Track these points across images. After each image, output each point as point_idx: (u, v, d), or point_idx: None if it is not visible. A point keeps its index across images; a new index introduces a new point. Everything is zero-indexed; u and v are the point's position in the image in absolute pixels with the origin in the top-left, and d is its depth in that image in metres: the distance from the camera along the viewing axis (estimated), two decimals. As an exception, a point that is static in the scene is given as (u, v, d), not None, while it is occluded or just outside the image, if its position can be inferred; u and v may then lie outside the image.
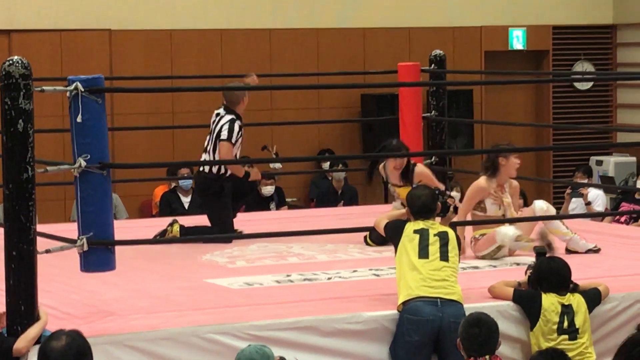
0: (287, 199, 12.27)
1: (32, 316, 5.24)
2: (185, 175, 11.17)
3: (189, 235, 8.03)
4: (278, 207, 11.84)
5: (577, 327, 5.79)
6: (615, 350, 3.52)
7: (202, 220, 8.37)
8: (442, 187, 7.99)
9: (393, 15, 13.46)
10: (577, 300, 5.86)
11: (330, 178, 12.64)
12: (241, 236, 7.80)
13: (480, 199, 7.23)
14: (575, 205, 10.84)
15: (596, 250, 7.41)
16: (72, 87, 5.45)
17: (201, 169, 8.32)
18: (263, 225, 8.65)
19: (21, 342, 5.11)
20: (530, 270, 6.05)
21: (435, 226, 5.93)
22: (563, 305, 5.81)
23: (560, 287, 5.86)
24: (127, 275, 6.58)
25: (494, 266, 7.04)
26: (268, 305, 5.92)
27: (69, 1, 12.24)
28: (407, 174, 7.83)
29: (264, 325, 5.54)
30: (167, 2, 12.65)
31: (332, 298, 6.11)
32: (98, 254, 5.55)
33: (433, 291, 5.69)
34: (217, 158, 8.02)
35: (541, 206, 7.28)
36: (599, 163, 13.88)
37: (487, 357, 5.15)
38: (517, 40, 14.07)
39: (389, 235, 6.10)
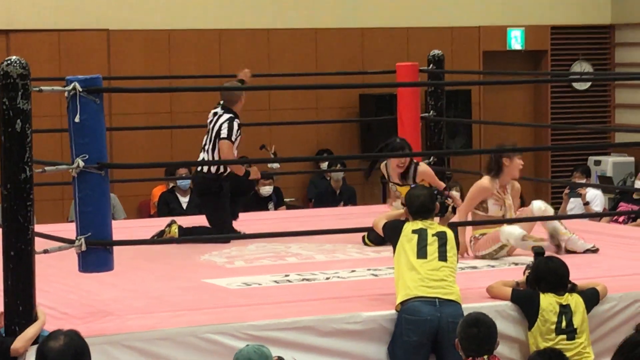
0: (285, 199, 12.27)
1: (30, 316, 5.24)
2: (184, 175, 11.17)
3: (188, 235, 8.03)
4: (276, 207, 11.84)
5: (575, 327, 5.79)
6: (613, 350, 3.52)
7: (201, 220, 8.37)
8: (443, 186, 8.02)
9: (391, 16, 13.46)
10: (575, 300, 5.86)
11: (328, 178, 12.64)
12: (239, 236, 7.80)
13: (482, 199, 7.23)
14: (573, 205, 10.84)
15: (594, 250, 7.41)
16: (70, 87, 5.45)
17: (199, 168, 8.32)
18: (261, 226, 8.65)
19: (19, 342, 5.10)
20: (529, 270, 6.05)
21: (433, 226, 5.93)
22: (561, 305, 5.82)
23: (559, 287, 5.87)
24: (126, 275, 6.58)
25: (492, 266, 7.05)
26: (266, 305, 5.92)
27: (67, 1, 12.24)
28: (408, 173, 7.84)
29: (262, 325, 5.54)
30: (166, 2, 12.65)
31: (330, 298, 6.11)
32: (96, 254, 5.54)
33: (431, 291, 5.69)
34: (217, 157, 8.02)
35: (539, 206, 7.28)
36: (597, 163, 13.88)
37: (485, 357, 5.14)
38: (516, 41, 14.07)
39: (388, 235, 6.10)
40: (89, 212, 5.50)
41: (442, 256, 5.80)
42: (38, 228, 5.54)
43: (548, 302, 5.82)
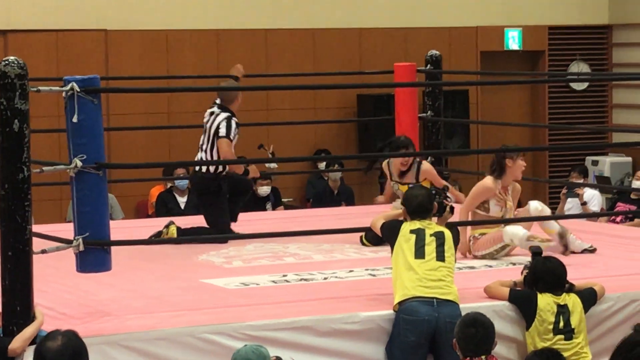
0: (283, 199, 12.26)
1: (27, 316, 5.24)
2: (182, 175, 11.17)
3: (188, 241, 8.01)
4: (274, 208, 11.84)
5: (572, 327, 5.80)
6: (611, 350, 3.52)
7: (199, 220, 8.37)
8: (445, 184, 8.04)
9: (389, 16, 13.46)
10: (572, 300, 5.86)
11: (326, 178, 12.65)
12: (237, 236, 7.79)
13: (484, 199, 7.23)
14: (571, 205, 10.85)
15: (592, 250, 7.41)
16: (68, 87, 5.45)
17: (197, 168, 8.32)
18: (259, 226, 8.65)
19: (16, 342, 5.10)
20: (527, 270, 6.06)
21: (431, 226, 5.93)
22: (559, 305, 5.82)
23: (556, 287, 5.87)
24: (123, 275, 6.58)
25: (490, 266, 7.05)
26: (264, 305, 5.92)
27: (65, 1, 12.23)
28: (410, 171, 7.85)
29: (260, 325, 5.54)
30: (164, 2, 12.65)
31: (328, 298, 6.11)
32: (94, 255, 5.54)
33: (429, 291, 5.69)
34: (215, 156, 8.02)
35: (536, 206, 7.29)
36: (595, 163, 13.89)
37: (483, 357, 5.15)
38: (513, 41, 14.08)
39: (386, 235, 6.10)
40: (87, 212, 5.50)
41: (440, 256, 5.80)
42: (36, 228, 5.54)
43: (545, 302, 5.82)
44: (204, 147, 8.14)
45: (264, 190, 11.74)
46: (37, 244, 5.42)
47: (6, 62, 5.28)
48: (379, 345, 5.71)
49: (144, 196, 12.25)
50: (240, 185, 8.40)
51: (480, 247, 7.25)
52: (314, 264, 7.16)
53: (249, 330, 5.49)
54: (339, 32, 13.26)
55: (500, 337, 5.47)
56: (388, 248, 6.04)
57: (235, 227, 8.19)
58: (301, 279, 6.65)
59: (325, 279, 6.68)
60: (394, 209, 7.36)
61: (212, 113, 8.17)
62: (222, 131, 8.00)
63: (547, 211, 7.42)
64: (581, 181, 11.35)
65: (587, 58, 14.41)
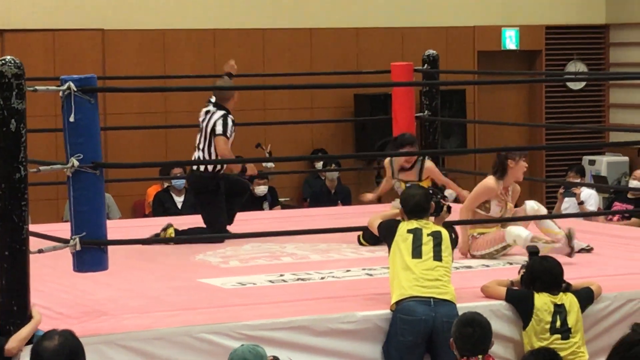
0: (280, 199, 12.26)
1: (24, 316, 5.23)
2: (178, 174, 11.16)
3: (185, 241, 7.99)
4: (271, 207, 11.84)
5: (569, 326, 5.80)
6: (607, 350, 3.52)
7: (196, 219, 8.36)
8: (449, 183, 8.04)
9: (386, 15, 13.47)
10: (569, 300, 5.87)
11: (323, 178, 12.65)
12: (234, 236, 7.79)
13: (486, 199, 7.23)
14: (568, 204, 10.85)
15: (589, 250, 7.41)
16: (65, 86, 5.44)
17: (195, 167, 8.31)
18: (256, 225, 8.65)
19: (12, 342, 5.10)
20: (524, 270, 6.06)
21: (428, 226, 5.93)
22: (556, 305, 5.82)
23: (553, 287, 5.87)
24: (120, 275, 6.57)
25: (487, 266, 7.05)
26: (261, 305, 5.92)
27: (62, 1, 12.23)
28: (413, 169, 7.85)
29: (257, 325, 5.54)
30: (160, 2, 12.64)
31: (325, 298, 6.11)
32: (91, 254, 5.54)
33: (426, 291, 5.69)
34: (212, 154, 8.02)
35: (532, 206, 7.30)
36: (592, 163, 13.90)
37: (480, 356, 5.15)
38: (510, 40, 14.08)
39: (383, 235, 6.10)
40: (84, 212, 5.49)
41: (437, 256, 5.80)
42: (33, 228, 5.53)
43: (542, 301, 5.83)
44: (201, 146, 8.13)
45: (261, 189, 11.74)
46: (33, 243, 5.41)
47: (3, 61, 5.27)
48: (376, 345, 5.71)
49: (141, 196, 12.25)
50: (238, 186, 8.40)
51: (480, 247, 7.24)
52: (311, 264, 7.16)
53: (245, 330, 5.49)
54: (336, 32, 13.26)
55: (497, 336, 5.47)
56: (385, 248, 6.03)
57: (232, 227, 8.18)
58: (298, 279, 6.65)
59: (322, 278, 6.68)
60: (393, 209, 7.36)
61: (207, 112, 8.17)
62: (219, 129, 8.00)
63: (543, 211, 7.43)
64: (578, 181, 11.36)
65: (584, 58, 14.42)
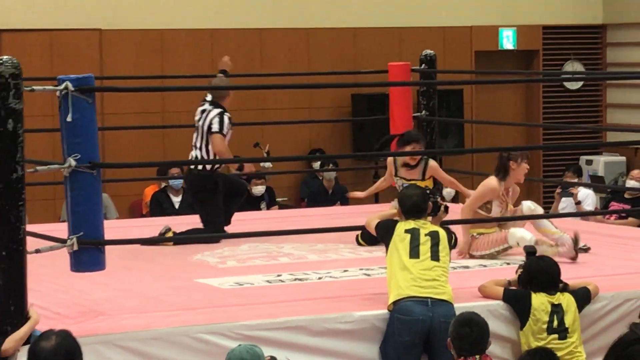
0: (277, 199, 12.26)
1: (22, 316, 5.23)
2: (176, 174, 11.16)
3: (184, 241, 7.98)
4: (269, 207, 11.84)
5: (566, 326, 5.80)
6: (604, 350, 3.52)
7: (194, 220, 8.36)
8: (453, 182, 8.03)
9: (384, 15, 13.47)
10: (566, 300, 5.87)
11: (321, 178, 12.65)
12: (232, 235, 7.79)
13: (489, 200, 7.23)
14: (565, 204, 10.85)
15: (586, 250, 7.42)
16: (62, 86, 5.44)
17: (192, 166, 8.31)
18: (254, 225, 8.65)
19: (8, 343, 5.09)
20: (521, 270, 6.06)
21: (426, 226, 5.93)
22: (553, 305, 5.82)
23: (550, 287, 5.87)
24: (118, 275, 6.57)
25: (484, 266, 7.05)
26: (259, 305, 5.92)
27: (59, 1, 12.22)
28: (416, 168, 7.85)
29: (255, 325, 5.54)
30: (158, 1, 12.64)
31: (322, 298, 6.11)
32: (88, 254, 5.54)
33: (423, 291, 5.69)
34: (210, 152, 8.02)
35: (529, 206, 7.30)
36: (589, 162, 13.91)
37: (477, 356, 5.15)
38: (507, 40, 14.09)
39: (380, 235, 6.10)
40: (81, 212, 5.49)
41: (435, 256, 5.81)
42: (30, 228, 5.53)
43: (540, 301, 5.83)
44: (198, 144, 8.13)
45: (258, 189, 11.74)
46: (31, 243, 5.41)
47: (0, 61, 5.27)
48: (373, 345, 5.71)
49: (138, 196, 12.25)
50: (237, 186, 8.40)
51: (480, 247, 7.23)
52: (308, 264, 7.16)
53: (243, 330, 5.49)
54: (333, 32, 13.26)
55: (494, 336, 5.47)
56: (383, 248, 6.04)
57: (229, 227, 8.18)
58: (295, 279, 6.65)
59: (319, 278, 6.68)
60: (392, 209, 7.36)
61: (203, 110, 8.17)
62: (215, 127, 8.00)
63: (540, 211, 7.43)
64: (575, 180, 11.36)
65: (581, 57, 14.42)
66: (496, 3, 14.03)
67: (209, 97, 8.21)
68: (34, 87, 5.53)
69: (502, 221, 7.22)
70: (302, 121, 12.74)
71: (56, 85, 5.48)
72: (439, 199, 6.30)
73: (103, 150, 10.68)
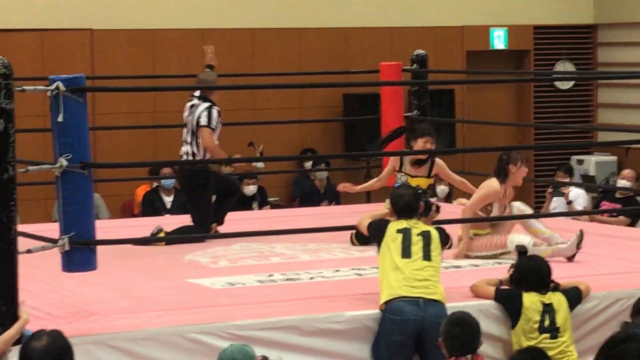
0: (269, 199, 12.26)
1: (13, 316, 5.22)
2: (167, 174, 11.15)
3: (176, 241, 7.97)
4: (260, 207, 11.84)
5: (558, 325, 5.81)
6: (596, 349, 3.54)
7: (185, 220, 8.35)
8: (459, 181, 8.01)
9: (375, 15, 13.47)
10: (558, 299, 5.88)
11: (312, 177, 12.65)
12: (223, 235, 7.79)
13: (491, 202, 7.23)
14: (556, 204, 10.88)
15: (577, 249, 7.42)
16: (54, 86, 5.43)
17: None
18: (245, 225, 8.64)
19: (-3, 344, 5.07)
20: (513, 269, 6.07)
21: (418, 226, 5.93)
22: (544, 304, 5.83)
23: (541, 286, 5.88)
24: (109, 275, 6.56)
25: (476, 265, 7.05)
26: (250, 305, 5.92)
27: (50, 1, 12.20)
28: (423, 164, 7.82)
29: (246, 324, 5.54)
30: (149, 1, 12.63)
31: (314, 297, 6.11)
32: (80, 254, 5.53)
33: (415, 291, 5.69)
34: (200, 146, 8.01)
35: (518, 207, 7.32)
36: (580, 162, 13.93)
37: (469, 356, 5.16)
38: (499, 40, 14.11)
39: (372, 235, 6.11)
40: (73, 212, 5.49)
41: (427, 256, 5.81)
42: (21, 228, 5.52)
43: (531, 301, 5.84)
44: (188, 139, 8.13)
45: (250, 189, 11.74)
46: (22, 243, 5.40)
47: (-9, 61, 5.26)
48: (365, 345, 5.71)
49: (130, 196, 12.23)
50: (229, 186, 8.39)
51: (477, 248, 7.20)
52: (300, 264, 7.16)
53: (235, 330, 5.49)
54: (324, 32, 13.26)
55: (486, 336, 5.48)
56: (376, 247, 6.04)
57: (221, 226, 8.18)
58: (287, 279, 6.65)
59: (311, 278, 6.68)
60: (386, 209, 7.34)
61: (192, 106, 8.17)
62: (203, 120, 8.00)
63: (529, 212, 7.45)
64: (567, 180, 11.38)
65: (572, 57, 14.45)
66: (487, 3, 14.05)
67: (197, 93, 8.21)
68: (25, 87, 5.52)
69: (494, 221, 7.22)
70: (294, 121, 12.74)
71: (47, 85, 5.48)
72: (430, 199, 6.29)
73: (94, 150, 10.67)
